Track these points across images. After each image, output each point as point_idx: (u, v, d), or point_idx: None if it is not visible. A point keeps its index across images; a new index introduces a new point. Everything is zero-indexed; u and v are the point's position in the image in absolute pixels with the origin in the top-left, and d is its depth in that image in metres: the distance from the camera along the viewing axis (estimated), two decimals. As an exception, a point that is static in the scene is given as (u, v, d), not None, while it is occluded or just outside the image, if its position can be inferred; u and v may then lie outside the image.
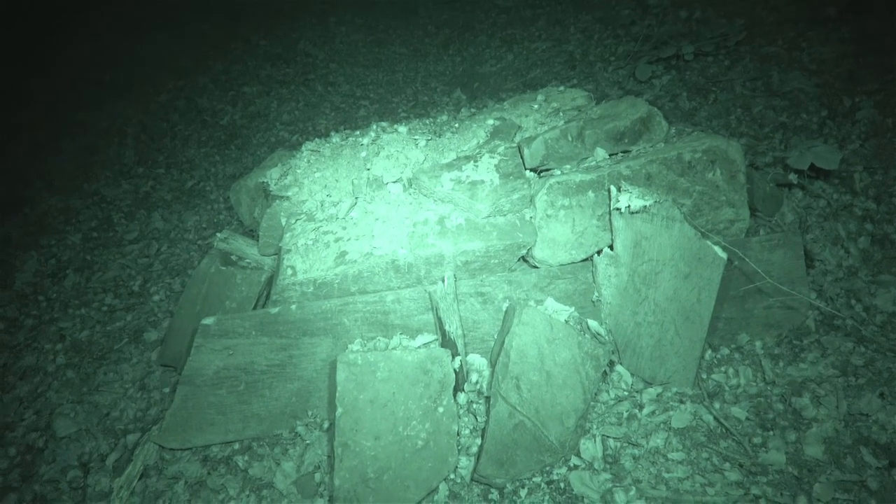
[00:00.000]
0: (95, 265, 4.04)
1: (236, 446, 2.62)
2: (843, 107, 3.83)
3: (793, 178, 3.11)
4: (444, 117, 3.57)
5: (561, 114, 2.99)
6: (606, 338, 2.56)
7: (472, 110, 3.86)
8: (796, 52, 4.40)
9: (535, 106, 3.12)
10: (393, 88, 5.95)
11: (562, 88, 3.29)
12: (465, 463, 2.36)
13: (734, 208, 2.71)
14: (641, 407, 2.46)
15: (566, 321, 2.48)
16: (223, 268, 2.91)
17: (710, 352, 2.66)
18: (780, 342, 2.66)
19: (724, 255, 2.42)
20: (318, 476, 2.45)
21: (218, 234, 3.06)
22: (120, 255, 4.10)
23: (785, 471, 2.19)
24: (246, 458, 2.56)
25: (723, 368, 2.59)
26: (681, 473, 2.23)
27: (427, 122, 3.45)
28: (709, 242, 2.43)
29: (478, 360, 2.61)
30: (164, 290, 3.68)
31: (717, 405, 2.44)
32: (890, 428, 2.26)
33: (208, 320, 2.59)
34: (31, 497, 2.60)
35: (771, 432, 2.32)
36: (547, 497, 2.23)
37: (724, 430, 2.35)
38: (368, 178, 2.83)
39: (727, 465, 2.24)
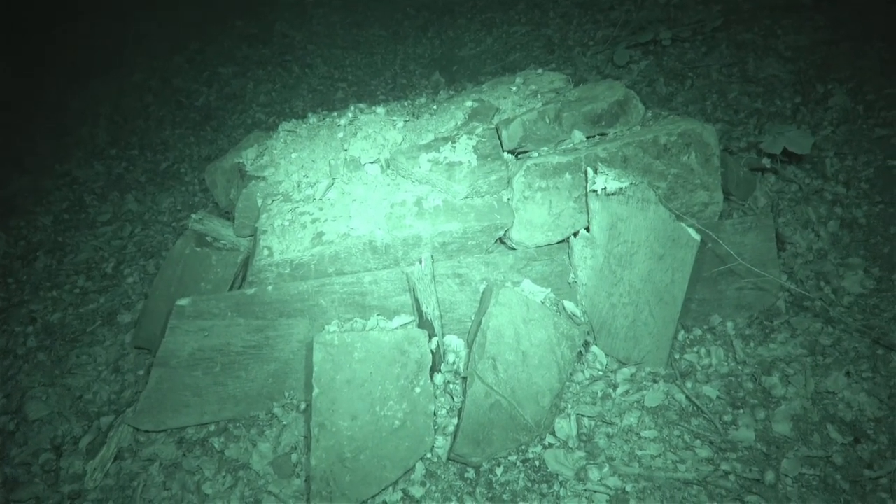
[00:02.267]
0: (67, 247, 3.97)
1: (212, 428, 2.61)
2: (816, 93, 3.89)
3: (766, 162, 3.16)
4: (423, 99, 3.54)
5: (539, 96, 2.99)
6: (582, 319, 2.59)
7: (451, 93, 3.85)
8: (772, 39, 4.45)
9: (514, 88, 3.11)
10: (371, 71, 5.89)
11: (540, 71, 3.28)
12: (442, 442, 2.38)
13: (708, 191, 2.74)
14: (616, 386, 2.50)
15: (542, 302, 2.50)
16: (198, 249, 2.87)
17: (683, 332, 2.70)
18: (752, 323, 2.71)
19: (697, 237, 2.45)
20: (294, 456, 2.45)
21: (193, 215, 3.02)
22: (92, 237, 4.03)
23: (754, 447, 2.24)
24: (222, 439, 2.55)
25: (695, 348, 2.63)
26: (653, 451, 2.27)
27: (405, 104, 3.43)
28: (683, 224, 2.46)
29: (455, 341, 2.62)
30: (138, 273, 3.63)
31: (689, 384, 2.48)
32: (855, 405, 2.32)
33: (183, 301, 2.56)
34: (2, 479, 2.57)
35: (741, 410, 2.37)
36: (522, 475, 2.26)
37: (695, 408, 2.40)
38: (345, 159, 2.81)
39: (698, 442, 2.29)
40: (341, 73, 5.91)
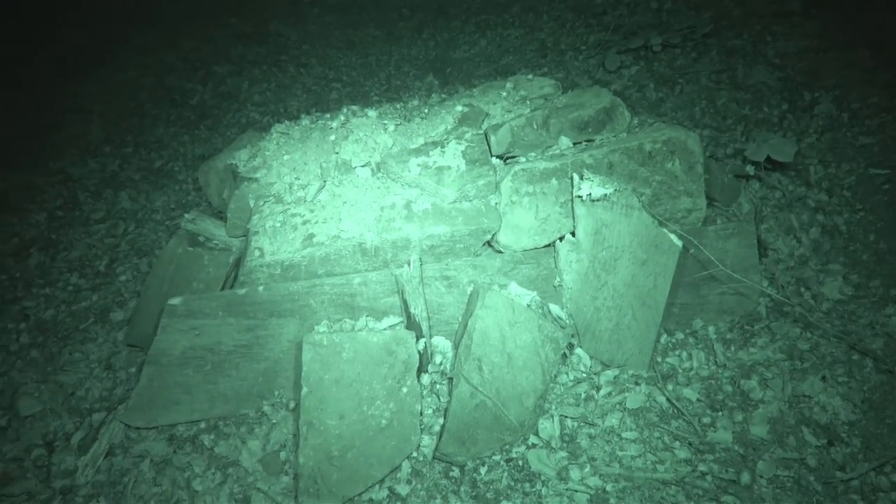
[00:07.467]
0: (60, 244, 3.99)
1: (202, 425, 2.64)
2: (802, 101, 3.95)
3: (750, 169, 3.21)
4: (415, 102, 3.59)
5: (528, 102, 3.04)
6: (567, 321, 2.64)
7: (443, 96, 3.89)
8: (761, 46, 4.51)
9: (504, 93, 3.16)
10: (366, 72, 5.92)
11: (530, 76, 3.33)
12: (428, 442, 2.43)
13: (692, 198, 2.80)
14: (599, 388, 2.55)
15: (528, 305, 2.55)
16: (190, 248, 2.91)
17: (665, 336, 2.76)
18: (733, 327, 2.77)
19: (679, 243, 2.51)
20: (283, 454, 2.49)
21: (185, 215, 3.05)
22: (86, 235, 4.05)
23: (731, 449, 2.30)
24: (212, 436, 2.59)
25: (677, 352, 2.69)
26: (633, 451, 2.33)
27: (398, 106, 3.47)
28: (665, 230, 2.52)
29: (442, 343, 2.67)
30: (131, 271, 3.66)
31: (670, 387, 2.54)
32: (830, 409, 2.39)
33: (175, 300, 2.60)
34: (-6, 475, 2.60)
35: (720, 413, 2.43)
36: (505, 474, 2.32)
37: (675, 410, 2.46)
38: (337, 162, 2.86)
39: (677, 443, 2.35)
40: (336, 73, 5.94)
